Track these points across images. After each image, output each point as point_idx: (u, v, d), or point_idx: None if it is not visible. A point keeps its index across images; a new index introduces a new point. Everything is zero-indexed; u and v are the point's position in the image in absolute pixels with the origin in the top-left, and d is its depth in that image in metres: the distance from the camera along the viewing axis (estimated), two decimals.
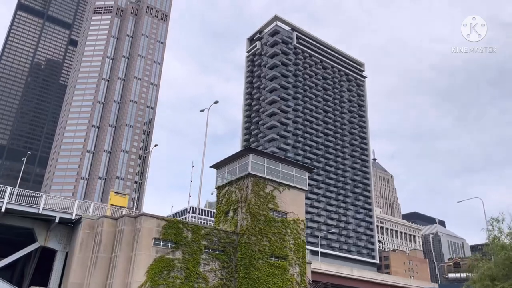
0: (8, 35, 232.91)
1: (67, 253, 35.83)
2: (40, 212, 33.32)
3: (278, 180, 39.95)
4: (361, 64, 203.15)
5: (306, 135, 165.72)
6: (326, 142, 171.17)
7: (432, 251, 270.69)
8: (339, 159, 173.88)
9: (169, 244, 33.13)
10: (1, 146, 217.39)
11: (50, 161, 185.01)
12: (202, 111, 54.52)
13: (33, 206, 33.51)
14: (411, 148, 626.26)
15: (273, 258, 36.49)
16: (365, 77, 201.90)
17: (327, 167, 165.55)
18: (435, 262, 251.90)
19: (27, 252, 34.37)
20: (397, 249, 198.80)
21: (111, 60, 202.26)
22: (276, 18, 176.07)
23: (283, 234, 37.94)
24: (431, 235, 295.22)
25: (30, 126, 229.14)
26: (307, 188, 42.82)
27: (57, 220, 34.11)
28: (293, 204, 40.51)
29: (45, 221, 35.23)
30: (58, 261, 35.27)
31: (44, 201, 34.30)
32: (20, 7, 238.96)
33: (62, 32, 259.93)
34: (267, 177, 39.42)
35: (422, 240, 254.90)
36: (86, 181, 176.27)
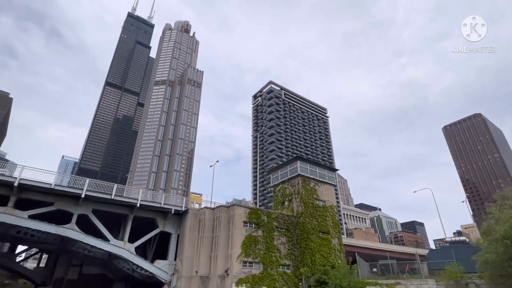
0: (100, 101, 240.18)
1: (178, 235, 33.82)
2: (161, 206, 32.03)
3: (317, 178, 38.69)
4: (324, 109, 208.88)
5: (293, 155, 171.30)
6: (308, 158, 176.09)
7: (377, 228, 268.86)
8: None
9: (253, 225, 31.65)
10: (96, 171, 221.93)
11: (128, 180, 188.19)
12: (211, 166, 52.63)
13: (156, 202, 32.51)
14: (351, 162, 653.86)
15: (320, 233, 34.96)
16: (328, 117, 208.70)
17: None
18: (379, 236, 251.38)
19: (153, 235, 32.75)
20: (356, 227, 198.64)
21: (165, 113, 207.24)
22: (270, 82, 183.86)
23: (325, 216, 36.58)
24: (375, 218, 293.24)
25: (113, 157, 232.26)
26: (335, 183, 40.83)
27: (172, 212, 32.69)
28: (328, 195, 39.23)
29: (163, 212, 33.28)
30: (173, 241, 33.41)
31: (163, 198, 33.15)
32: (107, 83, 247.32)
33: (133, 98, 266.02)
34: (310, 176, 38.19)
35: (369, 221, 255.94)
36: (152, 191, 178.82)
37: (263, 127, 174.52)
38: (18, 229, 29.35)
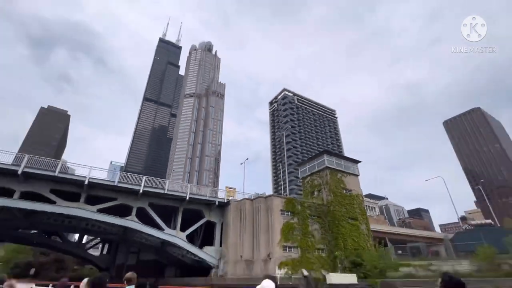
0: (140, 113, 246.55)
1: (222, 224, 33.04)
2: (207, 198, 31.78)
3: (343, 170, 36.96)
4: (333, 110, 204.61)
5: (308, 153, 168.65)
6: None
7: (385, 216, 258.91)
8: None
9: (289, 214, 30.28)
10: (139, 173, 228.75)
11: (167, 179, 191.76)
12: (241, 164, 51.14)
13: (202, 195, 32.24)
14: (359, 157, 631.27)
15: (350, 220, 33.12)
16: (336, 118, 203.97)
17: None
18: (388, 222, 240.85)
19: (200, 224, 32.31)
20: (368, 215, 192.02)
21: (195, 122, 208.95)
22: (284, 89, 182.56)
23: (352, 204, 34.65)
24: (383, 206, 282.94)
25: (152, 161, 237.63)
26: (359, 173, 38.99)
27: (216, 203, 32.09)
28: (353, 184, 37.24)
29: (208, 204, 32.65)
30: (218, 229, 32.58)
31: (208, 191, 33.24)
32: (145, 98, 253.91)
33: (167, 110, 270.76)
34: (337, 168, 36.58)
35: (378, 209, 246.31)
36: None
37: (280, 130, 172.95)
38: (87, 221, 29.66)
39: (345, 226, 32.17)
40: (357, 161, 39.85)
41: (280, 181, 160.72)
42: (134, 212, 28.12)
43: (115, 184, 26.62)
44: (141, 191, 27.54)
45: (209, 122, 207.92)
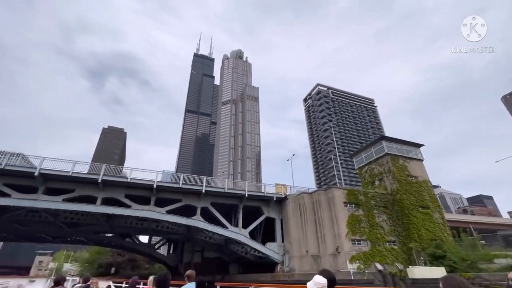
0: (183, 125, 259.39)
1: (281, 219, 31.46)
2: (265, 195, 30.47)
3: (405, 155, 33.36)
4: (371, 99, 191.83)
5: (349, 146, 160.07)
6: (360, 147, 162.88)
7: (442, 205, 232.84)
8: None
9: (353, 205, 27.94)
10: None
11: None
12: (288, 160, 48.58)
13: (260, 192, 30.93)
14: None
15: (420, 208, 29.51)
16: (376, 107, 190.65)
17: None
18: (445, 211, 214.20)
19: (260, 221, 30.98)
20: None
21: (233, 126, 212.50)
22: (317, 84, 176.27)
23: (420, 191, 30.90)
24: (437, 195, 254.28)
25: (198, 166, 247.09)
26: (423, 158, 34.73)
27: (274, 199, 30.80)
28: (418, 170, 33.25)
29: (265, 200, 31.45)
30: (278, 225, 31.03)
31: (265, 188, 31.59)
32: (186, 110, 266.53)
33: (207, 118, 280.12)
34: (398, 154, 33.02)
35: None
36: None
37: (317, 125, 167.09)
38: (158, 223, 30.76)
39: (416, 215, 28.55)
40: (419, 145, 35.46)
41: (322, 175, 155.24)
42: (198, 211, 28.27)
43: (180, 186, 27.01)
44: (203, 191, 27.58)
45: (247, 125, 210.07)
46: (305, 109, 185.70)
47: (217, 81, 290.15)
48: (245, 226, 30.14)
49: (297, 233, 28.83)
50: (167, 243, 47.65)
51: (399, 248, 27.25)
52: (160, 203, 27.62)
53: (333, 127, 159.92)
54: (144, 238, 47.81)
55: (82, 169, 25.13)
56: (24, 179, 23.77)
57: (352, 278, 22.82)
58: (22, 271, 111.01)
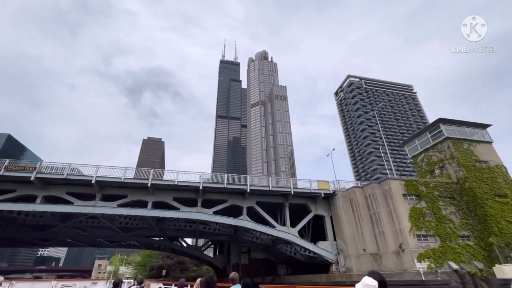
0: (215, 130, 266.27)
1: (331, 217, 29.34)
2: (311, 191, 28.56)
3: (469, 138, 29.37)
4: (409, 86, 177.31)
5: (389, 136, 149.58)
6: (403, 137, 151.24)
7: None
8: None
9: (414, 198, 25.00)
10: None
11: None
12: (328, 155, 45.36)
13: (307, 188, 28.90)
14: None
15: (496, 197, 25.49)
16: (415, 93, 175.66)
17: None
18: None
19: (309, 219, 29.12)
20: None
21: (264, 127, 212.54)
22: (348, 76, 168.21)
23: (494, 178, 26.82)
24: None
25: (232, 169, 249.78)
26: (492, 140, 30.35)
27: (322, 195, 28.79)
28: (488, 154, 29.04)
29: (312, 197, 29.65)
30: (328, 223, 28.98)
31: (311, 184, 29.17)
32: (217, 116, 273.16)
33: (237, 122, 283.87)
34: (460, 137, 29.16)
35: None
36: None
37: (352, 118, 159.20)
38: (205, 224, 30.85)
39: (492, 205, 24.55)
40: (485, 125, 30.87)
41: (361, 170, 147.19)
42: (244, 211, 27.64)
43: (225, 186, 26.67)
44: (248, 190, 26.89)
45: (277, 125, 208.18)
46: (337, 103, 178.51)
47: (244, 85, 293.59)
48: (291, 225, 28.70)
49: (351, 230, 26.68)
50: (212, 245, 48.08)
51: (475, 244, 23.59)
52: (206, 204, 27.55)
53: (369, 119, 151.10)
54: (189, 241, 48.96)
55: (132, 175, 26.06)
56: (83, 187, 25.30)
57: (424, 278, 20.18)
58: (85, 274, 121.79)
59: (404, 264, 22.09)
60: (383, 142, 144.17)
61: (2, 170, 22.80)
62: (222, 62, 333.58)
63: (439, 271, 21.15)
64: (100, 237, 37.33)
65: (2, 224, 30.15)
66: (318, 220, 30.94)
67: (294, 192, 28.17)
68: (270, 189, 27.67)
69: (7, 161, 23.22)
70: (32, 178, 22.91)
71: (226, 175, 27.62)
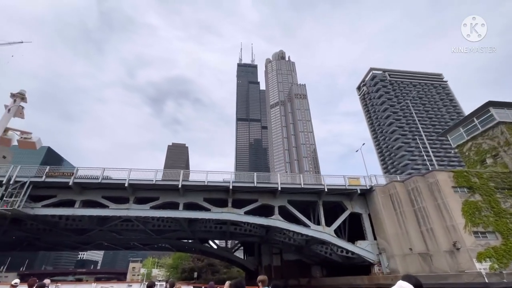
0: (236, 133, 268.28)
1: (368, 214, 27.15)
2: (346, 188, 26.62)
3: None
4: (439, 74, 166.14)
5: (418, 131, 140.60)
6: (435, 130, 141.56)
7: None
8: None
9: (465, 190, 22.44)
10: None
11: None
12: (357, 151, 44.48)
13: (342, 185, 26.91)
14: None
15: None
16: (446, 81, 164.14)
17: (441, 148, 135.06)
18: None
19: (345, 217, 27.25)
20: None
21: (285, 128, 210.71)
22: (371, 69, 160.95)
23: None
24: None
25: (255, 170, 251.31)
26: None
27: (358, 192, 26.68)
28: None
29: (347, 194, 27.74)
30: (366, 221, 26.83)
31: (346, 180, 27.17)
32: (237, 119, 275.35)
33: (257, 124, 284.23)
34: None
35: None
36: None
37: (377, 113, 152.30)
38: (236, 225, 30.20)
39: None
40: None
41: (390, 166, 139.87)
42: (276, 211, 26.57)
43: (255, 185, 25.83)
44: (279, 188, 25.81)
45: (298, 124, 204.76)
46: (360, 97, 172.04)
47: (262, 86, 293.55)
48: (326, 224, 27.11)
49: (393, 228, 24.53)
50: (241, 247, 47.45)
51: None
52: (236, 204, 26.88)
53: (396, 112, 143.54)
54: (218, 242, 48.67)
55: (161, 177, 26.08)
56: (117, 191, 25.72)
57: (487, 281, 17.79)
58: (120, 276, 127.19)
59: (461, 265, 19.71)
60: (413, 135, 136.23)
61: (44, 176, 23.78)
62: (240, 65, 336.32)
63: (504, 272, 18.59)
64: (134, 240, 38.15)
65: (46, 229, 31.73)
66: (352, 219, 29.09)
67: (328, 189, 26.58)
68: (302, 186, 26.34)
69: (48, 167, 24.21)
70: (70, 183, 23.65)
71: (255, 173, 26.79)
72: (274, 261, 37.19)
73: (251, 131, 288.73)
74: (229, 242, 47.28)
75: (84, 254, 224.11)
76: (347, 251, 26.30)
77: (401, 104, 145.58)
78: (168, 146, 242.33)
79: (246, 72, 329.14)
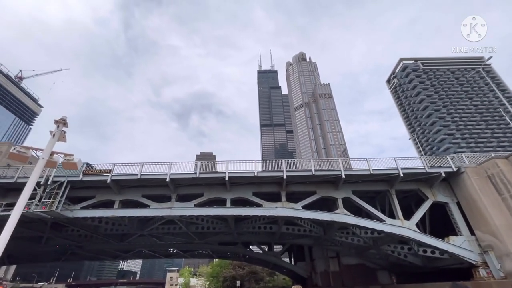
0: (261, 140, 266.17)
1: (457, 203, 21.81)
2: (427, 171, 21.46)
3: None
4: (480, 57, 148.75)
5: (462, 120, 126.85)
6: (482, 118, 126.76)
7: None
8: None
9: None
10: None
11: None
12: (409, 139, 37.84)
13: (421, 168, 21.76)
14: None
15: None
16: (489, 64, 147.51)
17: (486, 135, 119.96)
18: None
19: (427, 208, 21.96)
20: None
21: (311, 129, 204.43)
22: (401, 59, 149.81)
23: None
24: None
25: None
26: None
27: (442, 175, 21.29)
28: None
29: (423, 181, 22.88)
30: (455, 211, 21.50)
31: (425, 162, 21.90)
32: (261, 125, 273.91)
33: (282, 129, 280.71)
34: None
35: None
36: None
37: (412, 105, 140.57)
38: (289, 224, 26.04)
39: None
40: None
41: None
42: (340, 204, 21.96)
43: (313, 173, 21.59)
44: (343, 175, 21.29)
45: (325, 125, 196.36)
46: (390, 91, 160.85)
47: (284, 91, 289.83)
48: (393, 216, 21.95)
49: (503, 218, 18.69)
50: (289, 251, 42.72)
51: None
52: (289, 198, 22.84)
53: (434, 103, 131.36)
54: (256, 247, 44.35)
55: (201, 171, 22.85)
56: (158, 188, 23.00)
57: None
58: (158, 286, 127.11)
59: None
60: (457, 126, 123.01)
61: (81, 175, 21.70)
62: (260, 72, 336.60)
63: None
64: (175, 245, 35.40)
65: (87, 235, 29.99)
66: (431, 211, 23.65)
67: (403, 173, 21.44)
68: (371, 172, 21.55)
69: (85, 165, 22.11)
70: (108, 181, 21.26)
71: (312, 160, 22.61)
72: (331, 266, 32.08)
73: (276, 136, 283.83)
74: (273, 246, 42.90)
75: (124, 265, 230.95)
76: (433, 250, 20.91)
77: (439, 93, 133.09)
78: (196, 155, 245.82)
79: (266, 78, 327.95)
